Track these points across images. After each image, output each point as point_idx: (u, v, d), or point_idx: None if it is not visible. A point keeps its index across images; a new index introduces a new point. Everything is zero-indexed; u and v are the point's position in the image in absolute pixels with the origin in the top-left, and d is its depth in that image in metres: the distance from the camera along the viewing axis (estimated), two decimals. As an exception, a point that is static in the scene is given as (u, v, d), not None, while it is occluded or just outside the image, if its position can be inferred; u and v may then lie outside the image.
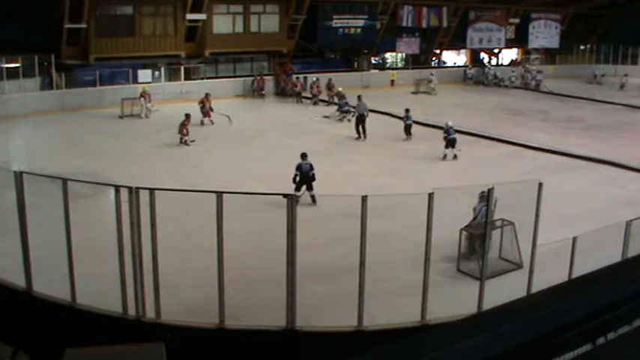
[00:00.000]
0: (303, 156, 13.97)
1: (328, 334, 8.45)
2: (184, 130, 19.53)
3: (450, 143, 18.41)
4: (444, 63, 42.14)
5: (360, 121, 20.97)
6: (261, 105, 28.18)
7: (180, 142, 19.46)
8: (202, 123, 22.72)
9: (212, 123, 22.94)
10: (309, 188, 13.61)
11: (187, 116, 19.80)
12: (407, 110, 21.06)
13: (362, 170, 16.96)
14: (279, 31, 31.71)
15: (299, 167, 13.71)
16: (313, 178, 13.63)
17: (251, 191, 11.42)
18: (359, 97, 22.25)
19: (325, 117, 24.95)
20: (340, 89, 26.50)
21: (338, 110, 24.80)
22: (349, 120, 23.32)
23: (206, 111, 23.08)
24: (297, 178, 13.56)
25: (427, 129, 22.29)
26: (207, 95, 23.70)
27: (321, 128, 23.29)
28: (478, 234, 10.59)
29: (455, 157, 18.38)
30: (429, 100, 31.13)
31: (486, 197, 10.70)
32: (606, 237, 9.72)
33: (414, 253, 9.30)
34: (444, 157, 18.41)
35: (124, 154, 18.56)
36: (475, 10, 39.10)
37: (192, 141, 19.62)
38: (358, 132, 20.91)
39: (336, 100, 26.16)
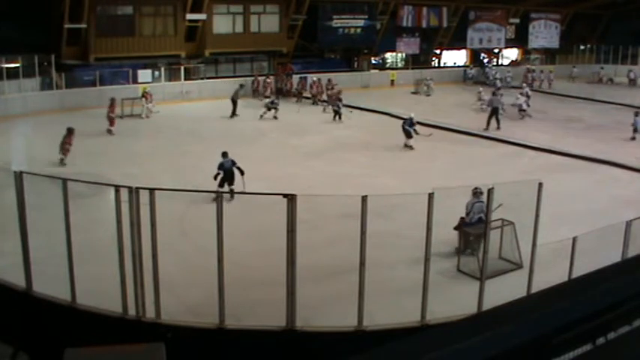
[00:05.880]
0: (224, 154, 14.40)
1: (328, 334, 8.44)
2: (67, 146, 17.26)
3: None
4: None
5: (235, 98, 24.82)
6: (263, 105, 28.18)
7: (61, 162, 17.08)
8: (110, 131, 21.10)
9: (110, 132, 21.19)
10: (231, 183, 14.17)
11: (70, 131, 17.44)
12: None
13: (363, 170, 16.94)
14: (279, 31, 31.71)
15: (221, 166, 14.18)
16: (242, 172, 14.07)
17: (251, 191, 11.45)
18: (241, 84, 27.42)
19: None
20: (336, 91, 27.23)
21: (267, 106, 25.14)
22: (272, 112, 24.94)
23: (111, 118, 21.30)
24: (220, 176, 14.04)
25: (426, 128, 22.23)
26: (112, 100, 21.60)
27: (322, 129, 23.29)
28: (472, 232, 10.68)
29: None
30: (429, 100, 31.11)
31: (479, 194, 10.87)
32: (606, 237, 9.71)
33: (414, 253, 9.30)
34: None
35: (124, 154, 18.55)
36: (475, 10, 39.10)
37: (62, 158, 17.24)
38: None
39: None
